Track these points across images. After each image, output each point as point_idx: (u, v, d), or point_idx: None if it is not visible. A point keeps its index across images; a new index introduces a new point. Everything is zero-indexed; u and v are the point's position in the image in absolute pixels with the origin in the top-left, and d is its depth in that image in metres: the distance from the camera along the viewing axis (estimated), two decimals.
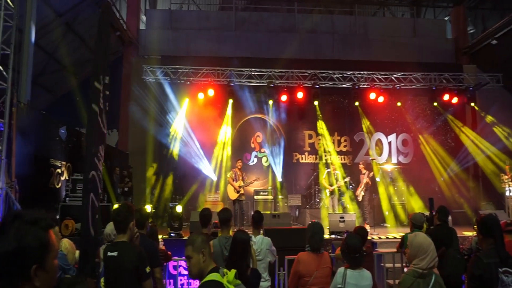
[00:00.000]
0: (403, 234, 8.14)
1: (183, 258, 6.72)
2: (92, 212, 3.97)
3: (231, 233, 4.28)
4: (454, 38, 14.36)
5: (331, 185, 9.83)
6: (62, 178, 7.98)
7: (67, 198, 7.21)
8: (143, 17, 14.25)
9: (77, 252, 4.09)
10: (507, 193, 10.25)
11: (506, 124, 11.95)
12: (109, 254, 3.04)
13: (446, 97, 11.91)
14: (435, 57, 13.20)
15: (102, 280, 3.27)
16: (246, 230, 6.98)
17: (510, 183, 9.88)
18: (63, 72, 13.03)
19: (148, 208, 7.36)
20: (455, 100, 11.95)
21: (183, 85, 11.34)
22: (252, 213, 10.61)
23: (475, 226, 8.07)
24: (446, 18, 15.80)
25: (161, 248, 4.77)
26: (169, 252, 4.76)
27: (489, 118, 12.15)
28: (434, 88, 11.85)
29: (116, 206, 6.86)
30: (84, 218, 4.08)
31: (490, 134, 12.04)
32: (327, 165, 11.27)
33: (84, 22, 12.39)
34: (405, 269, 3.32)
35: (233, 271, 2.51)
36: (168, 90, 11.58)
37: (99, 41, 4.03)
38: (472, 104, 12.28)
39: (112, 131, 12.75)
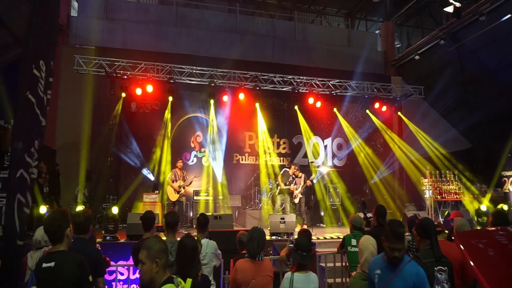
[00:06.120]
0: (340, 234, 8.60)
1: (119, 264, 6.30)
2: (19, 217, 3.52)
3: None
4: (384, 51, 15.45)
5: (285, 184, 9.89)
6: None
7: None
8: (75, 3, 13.20)
9: None
10: (427, 195, 11.28)
11: (426, 132, 13.15)
12: (45, 265, 2.69)
13: (376, 105, 12.76)
14: (367, 67, 14.03)
15: None
16: (186, 232, 6.74)
17: (429, 186, 10.87)
18: None
19: (80, 209, 6.79)
20: (384, 108, 12.85)
21: (119, 79, 10.68)
22: (191, 214, 10.44)
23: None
24: (376, 32, 16.98)
25: None
26: (107, 258, 4.41)
27: (412, 126, 13.26)
28: (366, 96, 12.60)
29: (42, 208, 6.20)
30: (8, 223, 3.62)
31: (413, 140, 13.15)
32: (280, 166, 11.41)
33: (4, 1, 11.07)
34: (352, 273, 3.44)
35: (189, 280, 2.46)
36: (103, 83, 10.84)
37: (37, 20, 3.53)
38: (399, 113, 13.30)
39: None
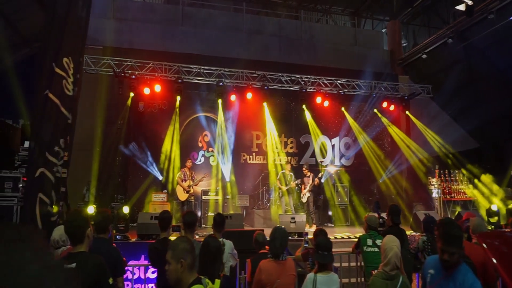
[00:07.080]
0: (350, 234, 8.56)
1: (131, 264, 6.28)
2: (41, 215, 3.51)
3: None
4: (390, 49, 15.38)
5: (285, 185, 10.00)
6: None
7: None
8: None
9: None
10: (434, 194, 11.24)
11: (434, 131, 13.09)
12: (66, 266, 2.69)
13: (384, 104, 12.73)
14: (373, 66, 13.90)
15: None
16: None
17: (437, 185, 10.83)
18: None
19: (91, 209, 6.81)
20: (392, 107, 12.80)
21: (127, 78, 10.68)
22: (200, 214, 10.43)
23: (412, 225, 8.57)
24: (383, 31, 16.90)
25: None
26: (124, 258, 4.39)
27: (420, 125, 13.19)
28: (374, 95, 12.56)
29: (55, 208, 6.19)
30: (29, 222, 3.61)
31: (421, 139, 13.10)
32: (281, 166, 11.45)
33: (11, 2, 11.08)
34: (373, 272, 3.42)
35: (218, 281, 2.46)
36: (111, 83, 10.84)
37: (56, 18, 3.49)
38: (407, 112, 13.24)
39: None
